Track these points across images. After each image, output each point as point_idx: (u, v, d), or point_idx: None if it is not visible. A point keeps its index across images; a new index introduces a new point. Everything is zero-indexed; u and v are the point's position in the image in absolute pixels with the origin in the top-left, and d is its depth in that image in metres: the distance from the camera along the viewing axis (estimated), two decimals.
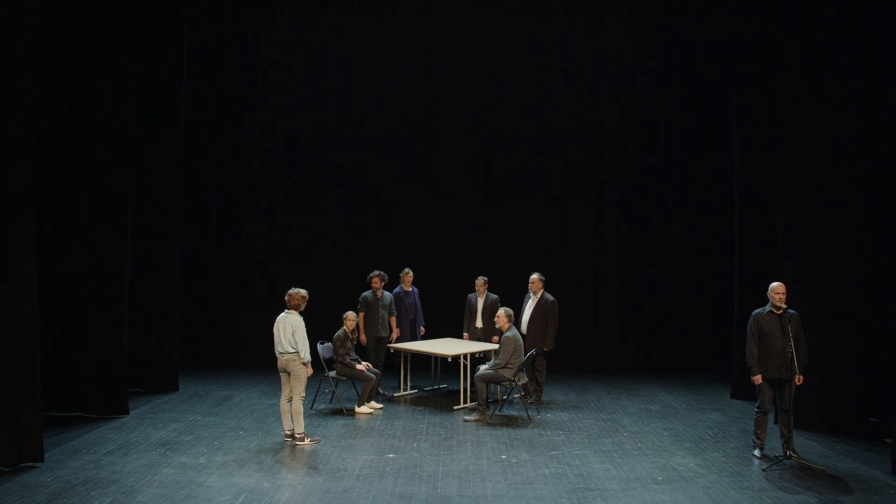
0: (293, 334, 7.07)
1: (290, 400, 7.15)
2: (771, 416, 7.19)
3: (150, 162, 9.14)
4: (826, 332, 7.68)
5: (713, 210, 11.10)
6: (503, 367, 7.93)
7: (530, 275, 9.06)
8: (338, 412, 8.37)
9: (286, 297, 7.23)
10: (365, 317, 9.25)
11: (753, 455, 6.80)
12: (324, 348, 8.57)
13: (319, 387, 8.75)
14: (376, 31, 11.33)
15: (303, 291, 7.29)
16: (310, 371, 7.18)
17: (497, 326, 8.31)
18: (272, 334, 7.23)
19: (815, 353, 7.28)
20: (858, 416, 7.79)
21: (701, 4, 10.82)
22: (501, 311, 8.15)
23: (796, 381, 6.46)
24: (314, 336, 7.62)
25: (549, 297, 8.93)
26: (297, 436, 7.11)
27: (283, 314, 7.21)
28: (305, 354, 7.10)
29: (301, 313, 7.23)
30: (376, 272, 9.35)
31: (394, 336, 9.45)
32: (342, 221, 11.38)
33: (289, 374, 7.12)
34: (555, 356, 10.81)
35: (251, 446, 7.00)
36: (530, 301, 8.99)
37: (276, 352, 7.19)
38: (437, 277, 11.15)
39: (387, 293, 9.43)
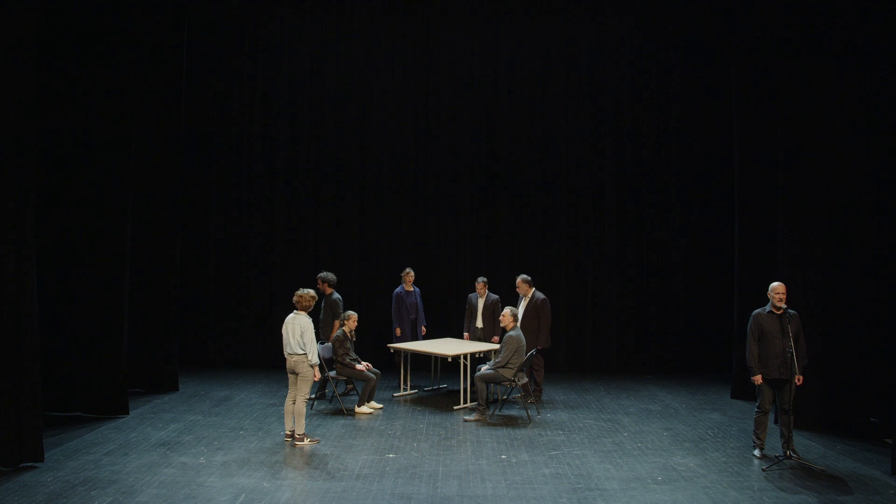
0: (301, 336, 7.05)
1: (295, 401, 7.15)
2: (771, 416, 7.19)
3: (150, 161, 9.15)
4: (826, 332, 7.69)
5: (713, 210, 11.11)
6: (503, 367, 7.93)
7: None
8: (338, 412, 8.37)
9: (295, 299, 7.21)
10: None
11: (753, 455, 6.80)
12: (324, 348, 8.56)
13: (319, 386, 8.75)
14: (376, 31, 11.34)
15: (311, 292, 7.27)
16: (317, 375, 7.17)
17: (502, 325, 8.31)
18: (280, 335, 7.23)
19: (815, 353, 7.28)
20: (858, 416, 7.79)
21: (701, 3, 10.82)
22: (507, 310, 8.14)
23: (796, 381, 6.46)
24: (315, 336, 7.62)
25: (540, 295, 8.92)
26: (297, 436, 7.10)
27: (291, 315, 7.19)
28: (313, 356, 7.08)
29: (309, 314, 7.22)
30: (319, 274, 9.18)
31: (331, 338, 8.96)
32: (342, 221, 11.39)
33: (296, 375, 7.12)
34: (555, 356, 10.85)
35: (251, 446, 7.00)
36: (522, 302, 8.98)
37: (285, 353, 7.18)
38: (438, 277, 11.15)
39: (335, 295, 9.08)
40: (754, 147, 9.34)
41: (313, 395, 8.78)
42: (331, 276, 9.16)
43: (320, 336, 8.89)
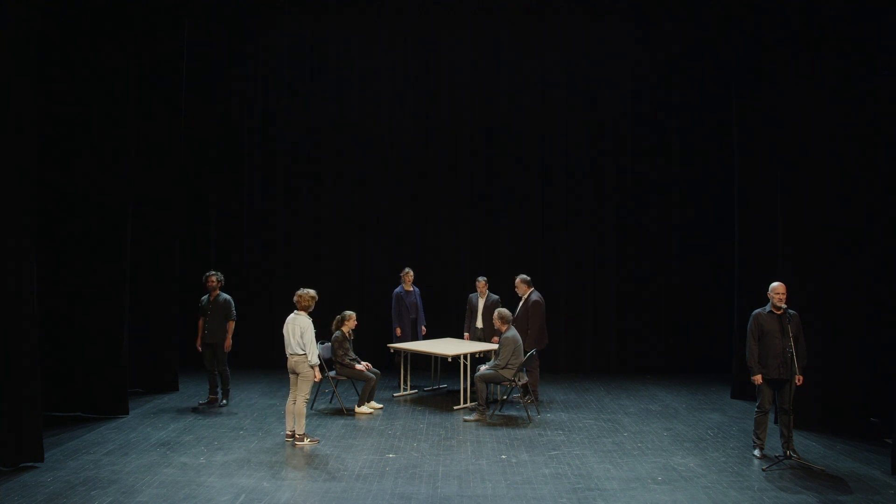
0: (301, 336, 7.04)
1: (295, 401, 7.15)
2: (771, 416, 7.19)
3: (150, 162, 9.15)
4: (826, 332, 7.68)
5: (713, 210, 11.11)
6: (503, 368, 7.93)
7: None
8: (338, 412, 8.37)
9: (295, 299, 7.20)
10: (202, 322, 8.63)
11: (753, 455, 6.80)
12: (323, 348, 8.55)
13: (319, 387, 8.74)
14: (377, 31, 11.34)
15: (311, 292, 7.25)
16: (318, 377, 7.16)
17: (495, 328, 8.30)
18: (280, 334, 7.23)
19: (815, 353, 7.28)
20: (858, 416, 7.79)
21: (700, 3, 10.81)
22: (496, 314, 8.11)
23: (796, 381, 6.46)
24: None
25: (534, 296, 8.76)
26: (298, 436, 7.10)
27: (292, 315, 7.18)
28: (313, 357, 7.06)
29: (309, 314, 7.21)
30: (210, 272, 8.69)
31: (228, 343, 8.60)
32: (342, 221, 11.39)
33: (297, 375, 7.11)
34: (555, 356, 10.85)
35: (251, 446, 7.00)
36: (521, 303, 8.93)
37: (287, 353, 7.18)
38: (438, 277, 11.15)
39: (224, 295, 8.62)
40: (754, 147, 9.34)
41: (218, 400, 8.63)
42: (220, 275, 8.68)
43: (206, 336, 8.56)
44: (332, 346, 8.43)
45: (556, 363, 10.99)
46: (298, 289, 7.29)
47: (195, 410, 8.44)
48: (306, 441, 7.09)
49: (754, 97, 9.31)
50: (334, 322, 8.52)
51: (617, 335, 11.23)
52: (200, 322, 8.66)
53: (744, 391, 9.07)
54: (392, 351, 9.58)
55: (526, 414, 8.26)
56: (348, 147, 11.40)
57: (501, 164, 11.31)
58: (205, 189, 11.37)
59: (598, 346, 11.24)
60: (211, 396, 8.73)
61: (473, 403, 8.54)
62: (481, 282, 9.49)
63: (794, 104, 8.04)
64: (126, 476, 6.07)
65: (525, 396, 8.40)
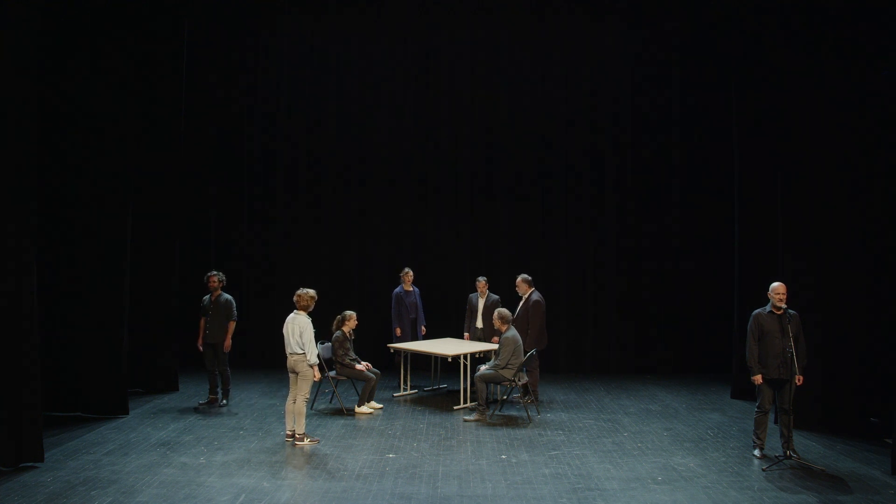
0: (301, 336, 7.06)
1: (295, 401, 7.15)
2: (771, 416, 7.19)
3: (150, 162, 9.15)
4: (826, 332, 7.68)
5: (713, 210, 11.11)
6: (503, 368, 7.93)
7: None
8: (338, 412, 8.37)
9: (295, 298, 7.21)
10: (204, 322, 8.63)
11: (753, 455, 6.80)
12: (324, 348, 8.56)
13: (319, 387, 8.75)
14: (376, 31, 11.34)
15: (311, 292, 7.27)
16: (317, 376, 7.17)
17: (495, 328, 8.30)
18: (280, 335, 7.24)
19: (815, 353, 7.28)
20: (858, 416, 7.80)
21: (700, 3, 10.81)
22: (496, 314, 8.11)
23: (796, 381, 6.46)
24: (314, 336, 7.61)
25: (535, 296, 8.75)
26: (298, 436, 7.11)
27: (291, 315, 7.20)
28: (312, 356, 7.07)
29: (309, 313, 7.22)
30: (212, 272, 8.69)
31: (227, 343, 8.58)
32: (342, 221, 11.40)
33: (297, 374, 7.12)
34: (555, 356, 10.85)
35: (251, 446, 7.00)
36: (521, 302, 8.92)
37: (286, 352, 7.19)
38: (438, 277, 11.14)
39: (225, 296, 8.62)
40: (754, 147, 9.34)
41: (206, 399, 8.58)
42: (221, 275, 8.69)
43: (207, 337, 8.54)
44: (333, 345, 8.43)
45: (556, 363, 10.99)
46: (298, 289, 7.31)
47: (195, 410, 8.45)
48: (306, 441, 7.09)
49: (754, 97, 9.30)
50: (335, 322, 8.52)
51: (617, 335, 11.23)
52: (202, 322, 8.67)
53: (744, 391, 9.07)
54: (392, 351, 9.58)
55: (526, 414, 8.26)
56: (348, 147, 11.40)
57: (501, 163, 11.32)
58: (205, 189, 11.37)
59: (598, 346, 11.24)
60: (211, 396, 8.73)
61: (473, 403, 8.54)
62: (481, 282, 9.50)
63: (795, 104, 8.04)
64: (126, 476, 6.07)
65: (525, 396, 8.40)
